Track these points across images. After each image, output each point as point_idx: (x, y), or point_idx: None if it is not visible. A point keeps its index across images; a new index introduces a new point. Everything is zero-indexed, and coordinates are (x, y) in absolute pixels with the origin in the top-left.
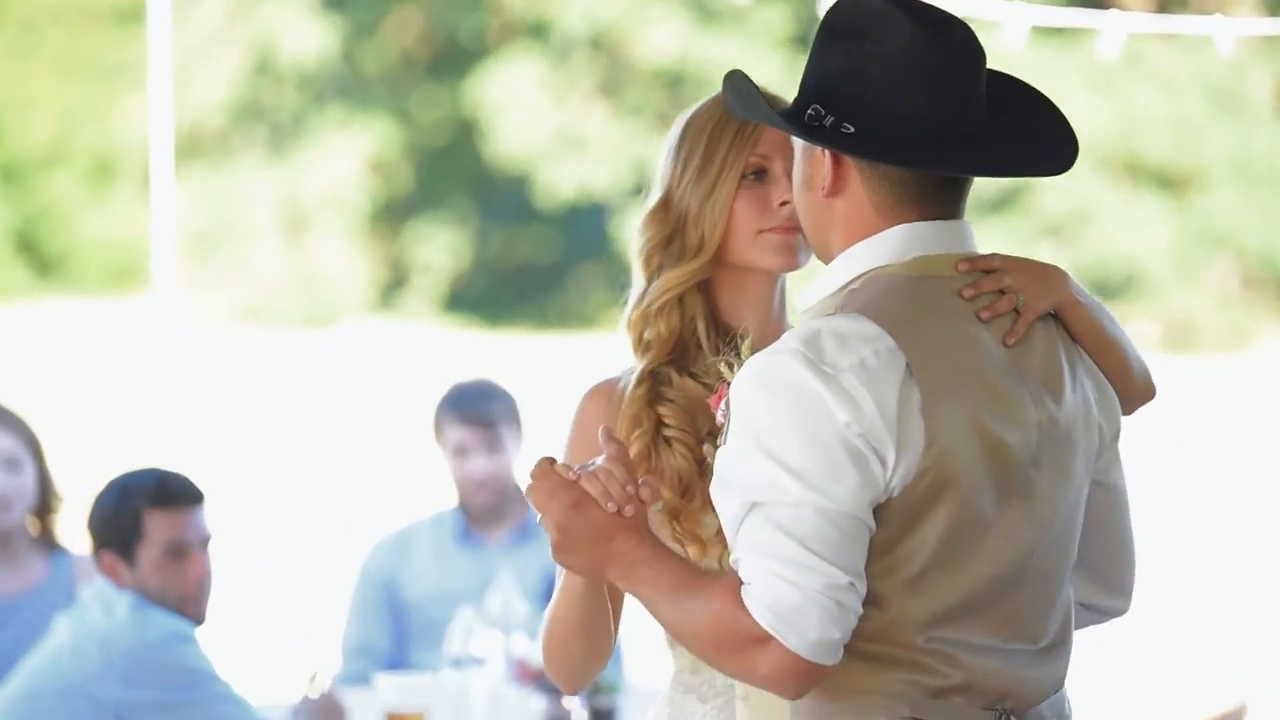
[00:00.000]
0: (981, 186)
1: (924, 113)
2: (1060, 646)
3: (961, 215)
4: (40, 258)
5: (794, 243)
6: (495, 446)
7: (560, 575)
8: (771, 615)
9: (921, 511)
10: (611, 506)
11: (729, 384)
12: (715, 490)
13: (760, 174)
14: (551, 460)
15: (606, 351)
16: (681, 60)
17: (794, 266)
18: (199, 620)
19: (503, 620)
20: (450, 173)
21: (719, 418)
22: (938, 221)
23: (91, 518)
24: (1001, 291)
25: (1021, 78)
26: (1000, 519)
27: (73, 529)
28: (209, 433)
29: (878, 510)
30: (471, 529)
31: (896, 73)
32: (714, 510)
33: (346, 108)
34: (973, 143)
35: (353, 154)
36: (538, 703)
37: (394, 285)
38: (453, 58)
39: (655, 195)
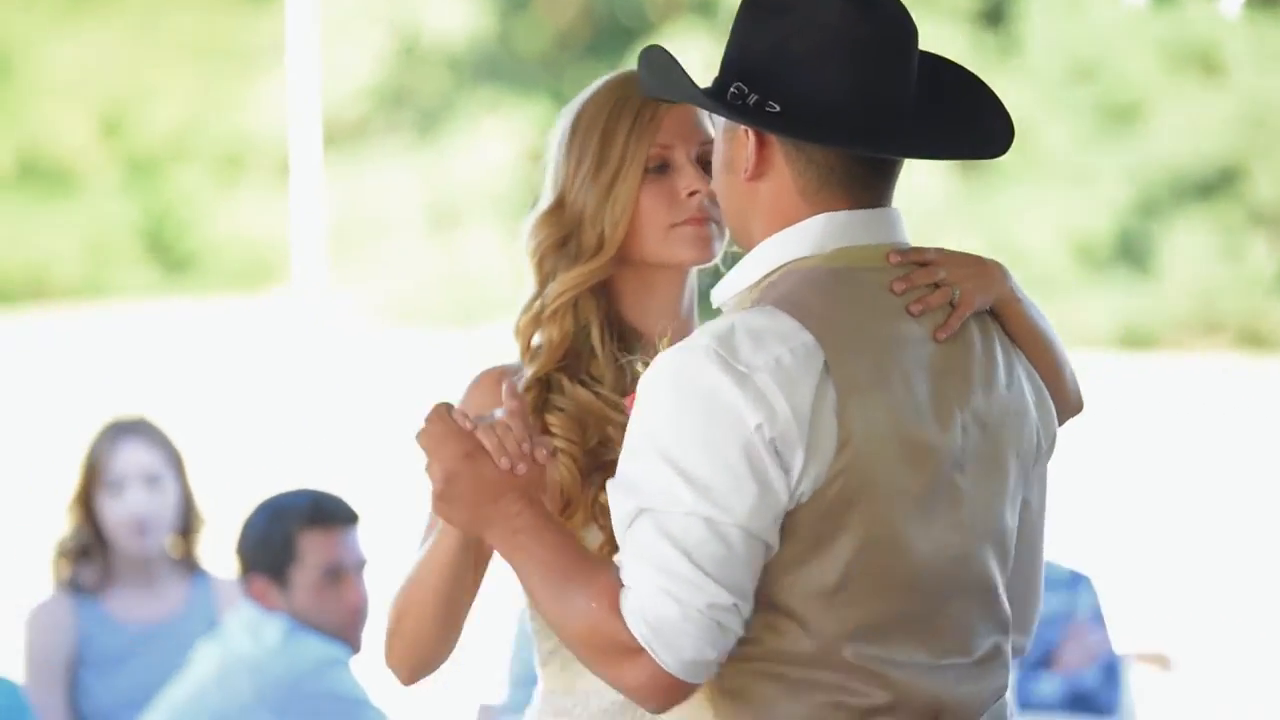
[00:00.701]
0: (1189, 171)
1: (852, 91)
2: (997, 657)
3: (889, 202)
4: (168, 255)
5: (708, 234)
6: None
7: (427, 542)
8: (648, 629)
9: (836, 519)
10: (505, 463)
11: None
12: (610, 486)
13: (664, 166)
14: (449, 407)
15: None
16: None
17: (709, 259)
18: (355, 649)
19: None
20: None
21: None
22: (864, 210)
23: (241, 540)
24: (936, 285)
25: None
26: (925, 526)
27: (215, 550)
28: (354, 443)
29: (787, 520)
30: None
31: (823, 49)
32: (597, 526)
33: (499, 91)
34: (904, 123)
35: (507, 140)
36: None
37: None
38: (613, 36)
39: (547, 197)
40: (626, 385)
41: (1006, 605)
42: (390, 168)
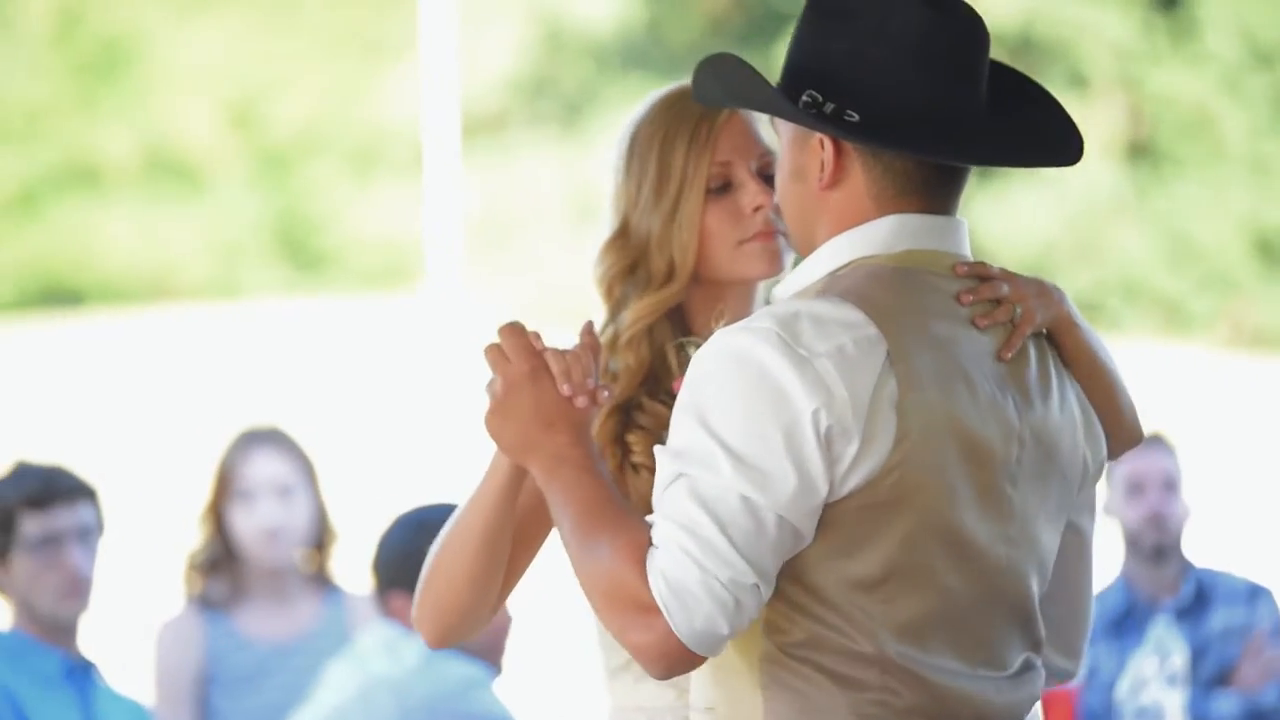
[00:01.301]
0: None
1: (931, 98)
2: (1029, 670)
3: (957, 211)
4: (299, 253)
5: (776, 247)
6: None
7: (472, 493)
8: (667, 590)
9: (885, 513)
10: (566, 389)
11: None
12: (656, 451)
13: (726, 185)
14: (522, 325)
15: None
16: (1027, 23)
17: (779, 271)
18: (498, 669)
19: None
20: None
21: None
22: (932, 215)
23: (378, 556)
24: (998, 301)
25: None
26: (972, 532)
27: (348, 565)
28: (493, 449)
29: (833, 510)
30: None
31: (901, 56)
32: None
33: (647, 80)
34: (980, 130)
35: None
36: None
37: None
38: (767, 23)
39: (612, 222)
40: (678, 371)
41: (1041, 623)
42: (531, 161)
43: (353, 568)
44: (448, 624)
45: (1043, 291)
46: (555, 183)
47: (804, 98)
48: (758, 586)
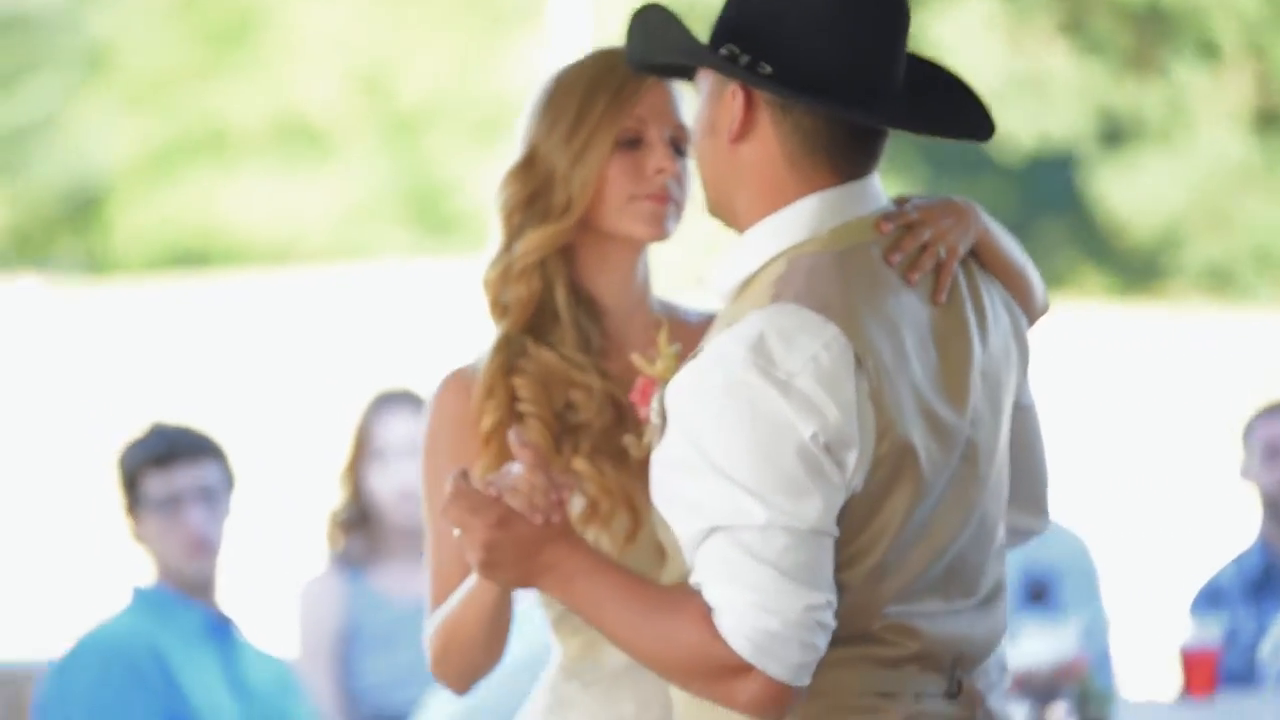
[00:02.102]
0: None
1: (848, 61)
2: (997, 598)
3: (873, 171)
4: (426, 220)
5: (664, 212)
6: None
7: (437, 558)
8: (752, 645)
9: (880, 500)
10: (538, 519)
11: (651, 378)
12: (665, 503)
13: (636, 141)
14: (466, 475)
15: (1075, 315)
16: None
17: (661, 236)
18: None
19: None
20: None
21: (649, 415)
22: (849, 184)
23: None
24: (923, 247)
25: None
26: (951, 488)
27: None
28: None
29: (840, 511)
30: None
31: (823, 17)
32: (579, 494)
33: None
34: (891, 97)
35: None
36: (1017, 710)
37: None
38: None
39: (518, 152)
40: (570, 355)
41: (1003, 535)
42: None
43: None
44: (472, 678)
45: (960, 219)
46: None
47: (722, 50)
48: (829, 601)
